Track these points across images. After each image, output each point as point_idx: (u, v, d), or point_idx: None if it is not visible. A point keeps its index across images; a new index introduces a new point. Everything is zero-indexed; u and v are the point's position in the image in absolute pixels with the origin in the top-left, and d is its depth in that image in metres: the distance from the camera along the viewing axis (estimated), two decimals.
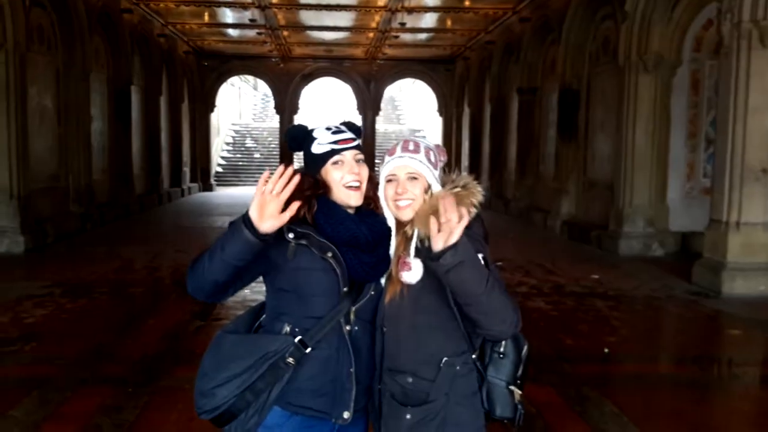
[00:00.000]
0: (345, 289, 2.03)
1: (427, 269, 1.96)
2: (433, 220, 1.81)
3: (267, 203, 1.86)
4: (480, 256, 1.98)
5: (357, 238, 2.04)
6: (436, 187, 2.06)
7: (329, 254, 2.01)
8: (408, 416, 2.00)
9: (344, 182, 2.09)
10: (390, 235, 2.12)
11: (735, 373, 5.82)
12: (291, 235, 2.01)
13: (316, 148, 2.11)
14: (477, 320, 1.93)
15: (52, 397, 4.51)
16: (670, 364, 6.07)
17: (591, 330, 6.54)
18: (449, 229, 1.79)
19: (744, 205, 7.98)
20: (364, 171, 2.12)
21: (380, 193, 2.13)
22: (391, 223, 2.12)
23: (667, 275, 9.08)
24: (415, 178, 2.06)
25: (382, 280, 2.10)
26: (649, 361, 5.92)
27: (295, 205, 1.89)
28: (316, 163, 2.11)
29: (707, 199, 9.20)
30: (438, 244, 1.81)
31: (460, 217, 1.79)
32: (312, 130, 2.16)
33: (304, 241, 2.01)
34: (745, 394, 5.17)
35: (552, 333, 6.29)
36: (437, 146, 2.19)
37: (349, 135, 2.14)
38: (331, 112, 32.62)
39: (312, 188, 2.06)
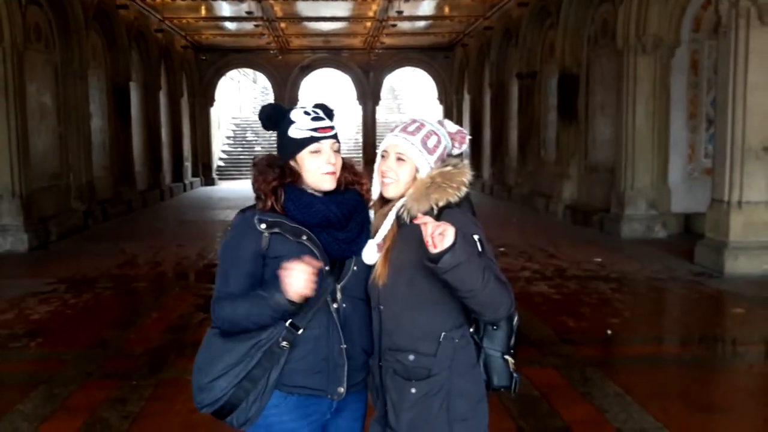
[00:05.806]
0: (327, 268, 2.05)
1: (419, 251, 1.96)
2: (424, 229, 1.82)
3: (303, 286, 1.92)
4: (476, 237, 1.99)
5: (328, 218, 2.07)
6: (424, 172, 2.07)
7: (304, 237, 2.04)
8: (413, 390, 2.02)
9: (321, 171, 2.09)
10: (360, 208, 2.15)
11: (739, 351, 5.82)
12: (263, 226, 2.05)
13: (295, 133, 2.10)
14: (473, 309, 1.99)
15: (58, 391, 4.54)
16: (674, 344, 6.07)
17: (594, 312, 6.54)
18: (442, 232, 1.81)
19: (745, 184, 7.96)
20: (339, 161, 2.14)
21: (375, 165, 2.17)
22: (376, 194, 2.16)
23: (669, 256, 9.08)
24: (402, 160, 2.08)
25: (365, 258, 2.10)
26: (653, 341, 5.93)
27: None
28: (292, 147, 2.10)
29: (709, 179, 9.18)
30: (433, 248, 1.82)
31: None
32: (288, 111, 2.15)
33: (276, 230, 2.04)
34: (749, 372, 5.18)
35: (555, 316, 6.31)
36: (458, 132, 2.16)
37: (327, 123, 2.13)
38: (331, 103, 32.49)
39: (278, 178, 2.08)
